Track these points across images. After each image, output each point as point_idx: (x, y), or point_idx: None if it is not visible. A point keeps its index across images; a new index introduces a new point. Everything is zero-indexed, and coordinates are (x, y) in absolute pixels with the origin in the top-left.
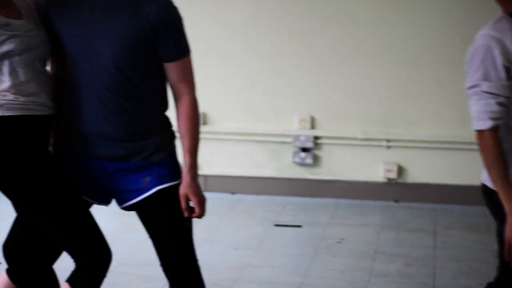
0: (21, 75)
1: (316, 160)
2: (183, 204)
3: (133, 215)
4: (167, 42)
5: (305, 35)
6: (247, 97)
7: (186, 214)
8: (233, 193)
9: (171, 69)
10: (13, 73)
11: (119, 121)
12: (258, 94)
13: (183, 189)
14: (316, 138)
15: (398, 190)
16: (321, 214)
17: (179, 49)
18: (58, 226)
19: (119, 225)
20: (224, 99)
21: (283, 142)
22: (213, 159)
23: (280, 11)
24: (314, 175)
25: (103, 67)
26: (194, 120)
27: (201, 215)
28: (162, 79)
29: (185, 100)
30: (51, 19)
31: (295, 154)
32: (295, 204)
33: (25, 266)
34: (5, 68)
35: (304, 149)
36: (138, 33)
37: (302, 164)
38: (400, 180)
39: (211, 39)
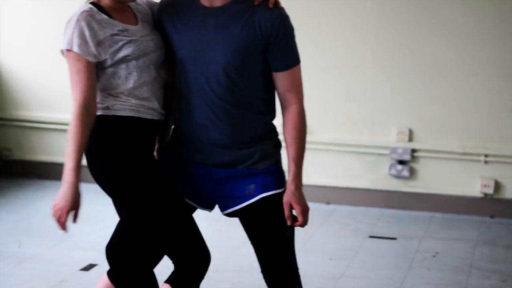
0: (136, 79)
1: (412, 172)
2: (286, 212)
3: (228, 221)
4: (278, 51)
5: (406, 47)
6: (345, 108)
7: (289, 223)
8: (327, 203)
9: (280, 78)
10: (128, 77)
11: (227, 128)
12: (357, 105)
13: (287, 198)
14: (413, 151)
15: (494, 205)
16: (416, 227)
17: (289, 58)
18: (162, 229)
19: (214, 231)
20: (322, 109)
21: (380, 154)
22: (309, 169)
23: (382, 22)
24: (410, 187)
25: (213, 74)
26: (301, 129)
27: (303, 224)
28: (270, 88)
29: (292, 110)
30: (164, 25)
31: (391, 166)
32: (390, 216)
33: (127, 269)
34: (122, 72)
35: (401, 162)
36: (249, 41)
37: (398, 177)
38: (496, 196)
39: (311, 49)
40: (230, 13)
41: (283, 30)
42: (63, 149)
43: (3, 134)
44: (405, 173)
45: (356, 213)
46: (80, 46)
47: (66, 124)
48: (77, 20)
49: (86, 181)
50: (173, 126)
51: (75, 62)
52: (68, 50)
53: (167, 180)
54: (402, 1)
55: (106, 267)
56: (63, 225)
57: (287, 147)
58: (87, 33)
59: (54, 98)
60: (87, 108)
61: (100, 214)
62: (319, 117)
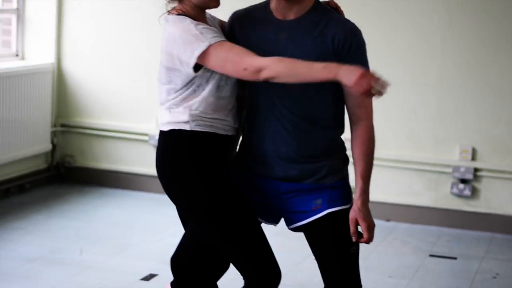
0: (216, 94)
1: (474, 192)
2: (352, 228)
3: (288, 235)
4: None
5: (472, 64)
6: (408, 124)
7: (354, 239)
8: (388, 220)
9: (351, 93)
10: (210, 91)
11: (296, 142)
12: (420, 122)
13: (353, 214)
14: (476, 170)
15: None
16: (476, 247)
17: None
18: (236, 244)
19: (274, 245)
20: (385, 125)
21: (442, 172)
22: (371, 185)
23: (448, 39)
24: (471, 207)
25: (285, 89)
26: (370, 145)
27: (369, 240)
28: (340, 102)
29: (362, 125)
30: (237, 37)
31: (453, 184)
32: (450, 235)
33: (192, 281)
34: (205, 86)
35: (463, 180)
36: (321, 55)
37: (460, 196)
38: None
39: (376, 64)
40: (303, 26)
41: (355, 44)
42: (125, 157)
43: (66, 141)
44: (467, 192)
45: (416, 231)
46: (214, 35)
47: (128, 133)
48: (191, 22)
49: (147, 190)
50: (241, 139)
51: (221, 48)
52: (207, 49)
53: (241, 195)
54: (469, 18)
55: (167, 277)
56: None
57: (354, 162)
58: (204, 27)
59: (117, 106)
60: None
61: (161, 224)
62: (382, 133)
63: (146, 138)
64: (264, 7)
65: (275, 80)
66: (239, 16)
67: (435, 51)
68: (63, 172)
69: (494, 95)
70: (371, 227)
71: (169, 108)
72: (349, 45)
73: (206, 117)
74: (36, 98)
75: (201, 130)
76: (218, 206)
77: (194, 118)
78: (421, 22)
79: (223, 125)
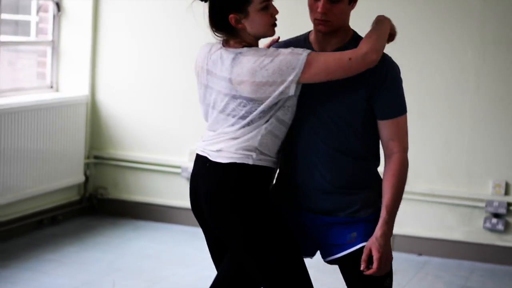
0: (283, 128)
1: (507, 226)
2: (363, 256)
3: (320, 268)
4: (383, 99)
5: (506, 98)
6: (441, 157)
7: (362, 267)
8: (420, 254)
9: (385, 126)
10: (279, 125)
11: (330, 174)
12: (454, 155)
13: (369, 242)
14: (509, 204)
15: None
16: (510, 282)
17: (395, 107)
18: (288, 276)
19: None
20: (417, 158)
21: (475, 207)
22: (403, 218)
23: (482, 73)
24: (505, 242)
25: (319, 120)
26: (400, 178)
27: (377, 272)
28: (375, 135)
29: (394, 158)
30: None
31: (486, 219)
32: (483, 270)
33: None
34: (275, 118)
35: (496, 215)
36: (355, 89)
37: (493, 230)
38: None
39: (409, 96)
40: None
41: (390, 77)
42: (158, 189)
43: (99, 173)
44: (500, 226)
45: (449, 265)
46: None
47: (162, 165)
48: (270, 48)
49: (180, 223)
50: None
51: (317, 54)
52: (307, 58)
53: (287, 227)
54: (503, 52)
55: None
56: None
57: (383, 193)
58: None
59: (150, 138)
60: None
61: (194, 257)
62: (414, 166)
63: (179, 170)
64: (304, 39)
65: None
66: (280, 47)
67: (469, 85)
68: (96, 204)
69: None
70: (383, 259)
71: (231, 139)
72: (383, 78)
73: (266, 152)
74: (70, 130)
75: (262, 164)
76: (276, 239)
77: (257, 152)
78: (455, 56)
79: (276, 159)
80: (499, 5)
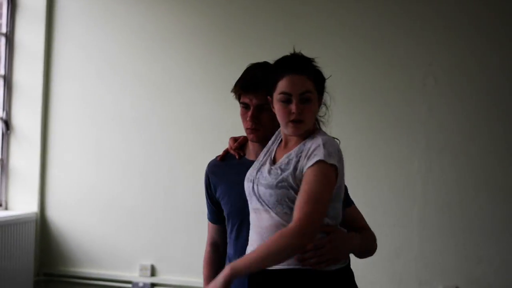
0: None
1: None
2: None
3: None
4: None
5: (453, 205)
6: (391, 266)
7: None
8: None
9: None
10: None
11: None
12: (403, 263)
13: None
14: None
15: None
16: None
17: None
18: None
19: None
20: (367, 268)
21: None
22: None
23: (428, 181)
24: None
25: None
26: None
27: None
28: None
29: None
30: (215, 186)
31: None
32: None
33: None
34: None
35: None
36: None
37: None
38: None
39: (358, 206)
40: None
41: None
42: None
43: None
44: None
45: None
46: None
47: (112, 281)
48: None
49: None
50: None
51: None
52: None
53: None
54: (449, 160)
55: None
56: None
57: None
58: None
59: (100, 254)
60: None
61: None
62: (364, 275)
63: (129, 286)
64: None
65: None
66: (212, 167)
67: (416, 193)
68: None
69: (475, 235)
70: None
71: None
72: None
73: None
74: (19, 247)
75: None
76: None
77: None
78: (401, 165)
79: None
80: (444, 113)
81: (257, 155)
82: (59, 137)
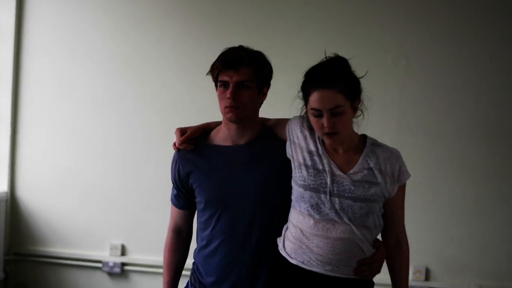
0: None
1: None
2: None
3: None
4: None
5: (424, 185)
6: None
7: None
8: None
9: None
10: None
11: None
12: None
13: None
14: None
15: None
16: None
17: None
18: None
19: None
20: None
21: None
22: None
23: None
24: None
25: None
26: None
27: None
28: None
29: None
30: (188, 176)
31: None
32: None
33: None
34: None
35: None
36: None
37: None
38: None
39: None
40: (256, 149)
41: None
42: (79, 285)
43: (19, 270)
44: None
45: None
46: None
47: (82, 260)
48: None
49: None
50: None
51: None
52: None
53: None
54: (421, 140)
55: None
56: None
57: None
58: None
59: (71, 234)
60: None
61: None
62: None
63: (99, 265)
64: (205, 145)
65: None
66: (182, 156)
67: None
68: None
69: (446, 215)
70: None
71: None
72: None
73: None
74: None
75: None
76: None
77: None
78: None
79: None
80: (415, 93)
81: (233, 140)
82: (31, 117)
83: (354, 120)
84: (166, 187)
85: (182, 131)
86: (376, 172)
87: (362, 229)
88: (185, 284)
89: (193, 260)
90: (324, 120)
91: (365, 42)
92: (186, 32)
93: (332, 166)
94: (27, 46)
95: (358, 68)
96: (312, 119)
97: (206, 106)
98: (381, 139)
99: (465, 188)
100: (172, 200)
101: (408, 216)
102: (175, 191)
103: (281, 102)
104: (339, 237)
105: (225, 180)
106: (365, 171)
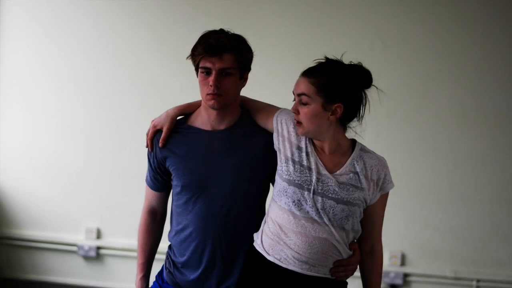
0: None
1: None
2: None
3: None
4: None
5: (399, 171)
6: None
7: None
8: None
9: None
10: None
11: None
12: None
13: None
14: (405, 275)
15: None
16: None
17: None
18: None
19: None
20: None
21: None
22: None
23: (375, 148)
24: None
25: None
26: None
27: None
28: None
29: None
30: (166, 159)
31: None
32: None
33: None
34: None
35: (393, 286)
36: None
37: None
38: None
39: None
40: (235, 136)
41: None
42: (54, 268)
43: None
44: None
45: None
46: None
47: (57, 243)
48: None
49: None
50: None
51: None
52: None
53: None
54: (397, 126)
55: None
56: None
57: None
58: None
59: (45, 217)
60: None
61: None
62: None
63: (75, 248)
64: (186, 127)
65: None
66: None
67: None
68: None
69: (422, 200)
70: None
71: None
72: None
73: None
74: None
75: None
76: None
77: None
78: (348, 131)
79: None
80: (392, 78)
81: (213, 125)
82: (3, 99)
83: (349, 126)
84: (141, 170)
85: (156, 129)
86: (361, 177)
87: (340, 231)
88: (159, 268)
89: (166, 243)
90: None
91: (341, 26)
92: (161, 15)
93: (319, 165)
94: (2, 27)
95: (334, 53)
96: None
97: (182, 89)
98: (356, 126)
99: (441, 174)
100: (147, 182)
101: None
102: (151, 172)
103: (258, 85)
104: (317, 237)
105: (202, 165)
106: (351, 175)
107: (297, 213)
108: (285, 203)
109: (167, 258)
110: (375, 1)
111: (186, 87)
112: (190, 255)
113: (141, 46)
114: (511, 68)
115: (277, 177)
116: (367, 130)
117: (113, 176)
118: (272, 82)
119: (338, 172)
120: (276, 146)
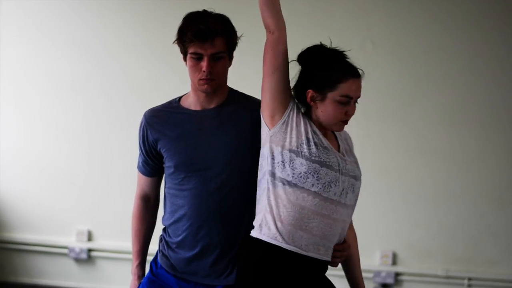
0: None
1: None
2: None
3: None
4: None
5: (390, 171)
6: None
7: None
8: None
9: None
10: None
11: None
12: None
13: None
14: (397, 274)
15: None
16: None
17: None
18: None
19: None
20: None
21: (363, 278)
22: None
23: (366, 146)
24: None
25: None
26: None
27: None
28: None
29: None
30: (157, 140)
31: None
32: None
33: None
34: None
35: (384, 285)
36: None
37: None
38: None
39: None
40: (225, 113)
41: None
42: (45, 271)
43: None
44: None
45: None
46: None
47: (48, 246)
48: None
49: None
50: None
51: None
52: None
53: None
54: (387, 125)
55: None
56: None
57: None
58: None
59: (36, 220)
60: None
61: None
62: None
63: (66, 251)
64: (176, 106)
65: None
66: (150, 120)
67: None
68: None
69: (413, 199)
70: None
71: None
72: None
73: None
74: None
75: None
76: None
77: None
78: None
79: None
80: (382, 78)
81: (202, 104)
82: None
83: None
84: (132, 172)
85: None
86: (353, 151)
87: (352, 211)
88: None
89: (160, 230)
90: (350, 108)
91: (331, 25)
92: (150, 14)
93: (330, 145)
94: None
95: None
96: (334, 106)
97: (170, 91)
98: (346, 125)
99: (431, 173)
100: (139, 167)
101: (375, 201)
102: (143, 157)
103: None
104: (337, 219)
105: (194, 144)
106: (349, 151)
107: (325, 195)
108: (313, 185)
109: (160, 241)
110: (365, 1)
111: (173, 88)
112: (186, 234)
113: (131, 45)
114: (501, 67)
115: (301, 160)
116: (358, 129)
117: (103, 178)
118: (258, 80)
119: (340, 150)
120: (288, 125)
